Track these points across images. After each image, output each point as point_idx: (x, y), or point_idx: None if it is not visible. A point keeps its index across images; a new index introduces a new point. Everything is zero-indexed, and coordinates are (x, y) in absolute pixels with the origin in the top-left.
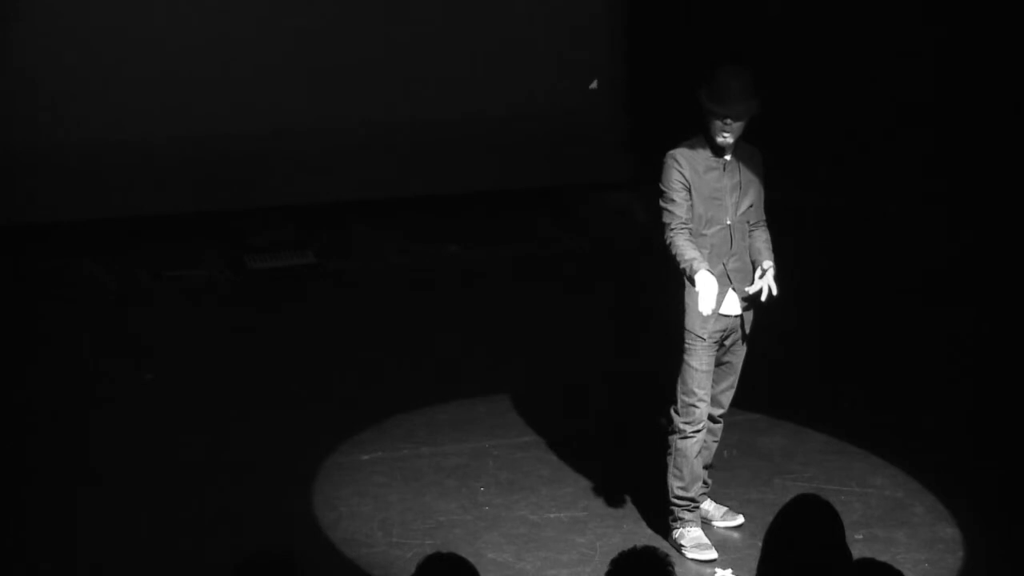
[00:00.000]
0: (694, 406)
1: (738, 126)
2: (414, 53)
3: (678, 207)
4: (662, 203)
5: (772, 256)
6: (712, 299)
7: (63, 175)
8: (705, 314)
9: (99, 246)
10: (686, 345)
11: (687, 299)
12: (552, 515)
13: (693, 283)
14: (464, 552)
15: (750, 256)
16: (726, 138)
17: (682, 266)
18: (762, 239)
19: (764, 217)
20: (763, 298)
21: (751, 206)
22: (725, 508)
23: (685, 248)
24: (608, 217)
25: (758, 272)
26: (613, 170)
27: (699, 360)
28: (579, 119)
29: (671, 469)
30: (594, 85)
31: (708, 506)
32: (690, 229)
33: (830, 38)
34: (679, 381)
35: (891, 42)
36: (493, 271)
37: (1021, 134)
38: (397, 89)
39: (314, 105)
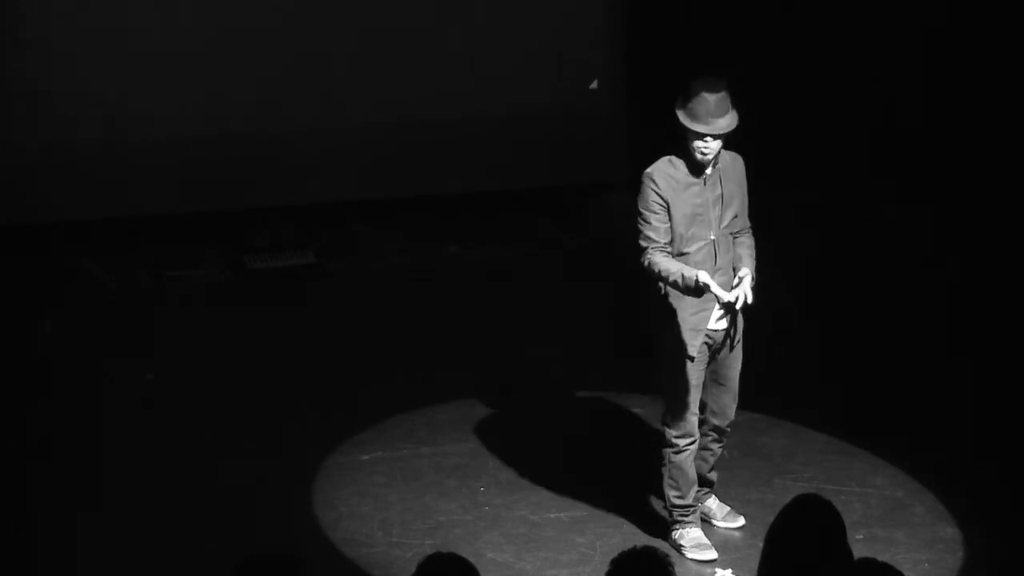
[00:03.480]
0: (686, 420)
1: (716, 143)
2: (414, 53)
3: (655, 230)
4: (639, 224)
5: (753, 264)
6: (722, 291)
7: (63, 175)
8: (725, 300)
9: (99, 246)
10: (675, 361)
11: (671, 317)
12: (552, 515)
13: (697, 291)
14: (464, 552)
15: (732, 264)
16: (706, 155)
17: (672, 279)
18: (745, 246)
19: (749, 224)
20: (738, 306)
21: (735, 217)
22: (728, 508)
23: (668, 263)
24: (608, 217)
25: (735, 280)
26: (613, 170)
27: (689, 373)
28: (579, 119)
29: (666, 480)
30: (594, 85)
31: (712, 504)
32: (668, 252)
33: (830, 38)
34: (669, 397)
35: (891, 42)
36: (493, 271)
37: (1020, 133)
38: (397, 89)
39: (314, 105)
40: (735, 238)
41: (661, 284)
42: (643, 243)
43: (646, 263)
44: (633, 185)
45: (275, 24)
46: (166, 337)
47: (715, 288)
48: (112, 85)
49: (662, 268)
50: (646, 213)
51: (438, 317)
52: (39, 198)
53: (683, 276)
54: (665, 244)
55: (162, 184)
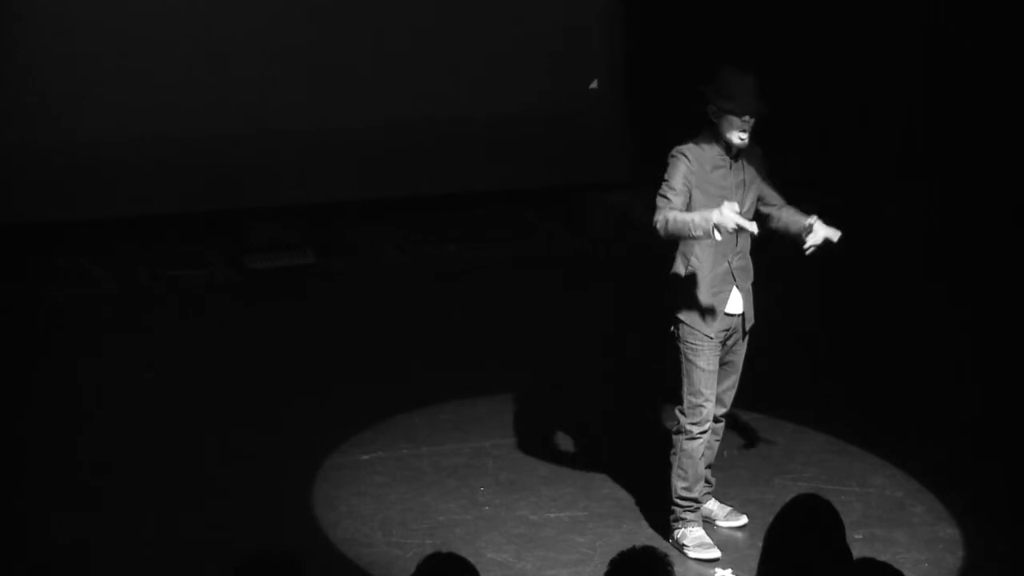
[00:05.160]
0: (701, 406)
1: (752, 123)
2: (414, 53)
3: (676, 194)
4: (661, 192)
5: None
6: (732, 216)
7: (63, 175)
8: (730, 226)
9: (99, 246)
10: (692, 345)
11: (689, 299)
12: (552, 515)
13: (709, 232)
14: (464, 552)
15: (790, 227)
16: (743, 139)
17: (685, 225)
18: (792, 209)
19: (783, 200)
20: (835, 238)
21: (758, 198)
22: (729, 508)
23: (684, 214)
24: (608, 217)
25: (806, 225)
26: (613, 170)
27: (706, 360)
28: (579, 119)
29: (675, 469)
30: (594, 85)
31: (712, 505)
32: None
33: (831, 37)
34: (685, 382)
35: (892, 41)
36: (493, 271)
37: (1019, 132)
38: (397, 89)
39: (314, 105)
40: (779, 210)
41: (680, 254)
42: (660, 203)
43: (661, 219)
44: (633, 184)
45: (276, 24)
46: (166, 337)
47: (742, 222)
48: (112, 85)
49: (676, 219)
50: (671, 181)
51: (438, 317)
52: (39, 198)
53: (694, 222)
54: (682, 209)
55: (162, 184)
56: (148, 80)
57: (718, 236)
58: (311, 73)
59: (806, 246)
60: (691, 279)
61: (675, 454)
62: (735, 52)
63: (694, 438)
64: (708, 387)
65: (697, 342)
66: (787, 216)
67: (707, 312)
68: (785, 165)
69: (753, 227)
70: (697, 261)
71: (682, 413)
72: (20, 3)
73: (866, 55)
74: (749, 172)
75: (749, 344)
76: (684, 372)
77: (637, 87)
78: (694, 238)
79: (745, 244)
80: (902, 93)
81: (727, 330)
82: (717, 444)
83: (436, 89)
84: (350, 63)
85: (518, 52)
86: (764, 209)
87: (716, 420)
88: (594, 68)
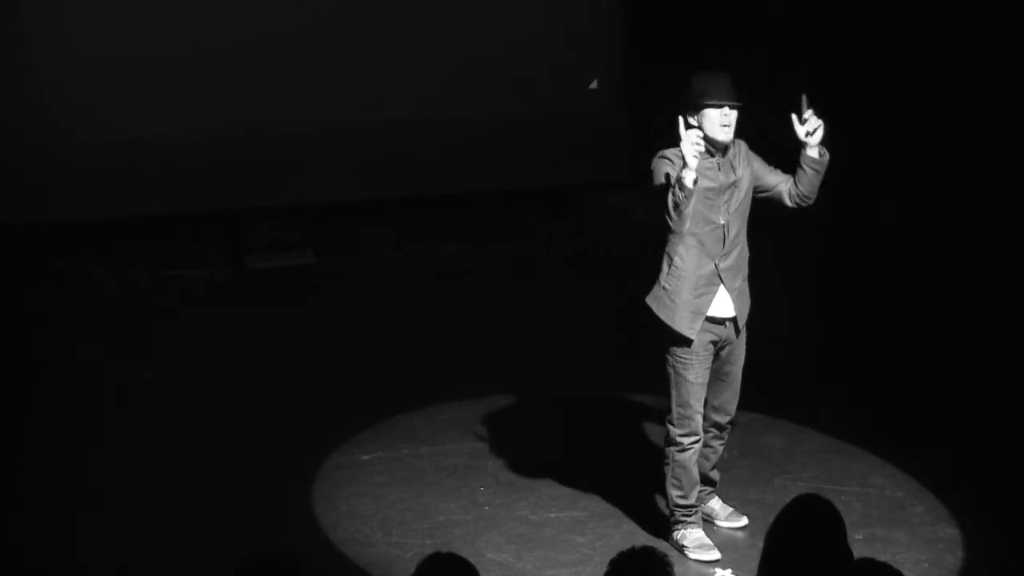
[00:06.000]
0: (690, 418)
1: (734, 116)
2: (414, 53)
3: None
4: (653, 177)
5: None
6: (691, 142)
7: (63, 175)
8: (690, 151)
9: (99, 246)
10: (681, 359)
11: (672, 303)
12: (552, 515)
13: (684, 179)
14: (464, 552)
15: (803, 173)
16: (728, 132)
17: (665, 174)
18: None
19: (785, 175)
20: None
21: (763, 188)
22: (731, 508)
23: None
24: (608, 217)
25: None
26: (613, 170)
27: (695, 374)
28: (578, 119)
29: (669, 479)
30: (594, 85)
31: (715, 504)
32: None
33: (830, 35)
34: (673, 394)
35: (893, 41)
36: (493, 271)
37: (1019, 134)
38: (397, 89)
39: (314, 105)
40: (789, 181)
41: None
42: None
43: (670, 201)
44: (633, 184)
45: (276, 25)
46: (166, 337)
47: (685, 142)
48: (112, 86)
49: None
50: (659, 170)
51: (437, 317)
52: (40, 198)
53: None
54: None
55: (162, 184)
56: (148, 80)
57: (690, 177)
58: (311, 73)
59: (806, 130)
60: (674, 281)
61: (667, 465)
62: (735, 52)
63: (685, 449)
64: (697, 400)
65: (686, 356)
66: (794, 177)
67: (691, 312)
68: (787, 167)
69: (691, 139)
70: (681, 261)
71: (671, 424)
72: (20, 3)
73: (867, 54)
74: (740, 170)
75: (748, 347)
76: (673, 384)
77: (637, 87)
78: (683, 187)
79: (735, 244)
80: (903, 94)
81: (717, 341)
82: (722, 447)
83: (436, 89)
84: (349, 63)
85: (518, 52)
86: (778, 192)
87: (721, 428)
88: (594, 68)
